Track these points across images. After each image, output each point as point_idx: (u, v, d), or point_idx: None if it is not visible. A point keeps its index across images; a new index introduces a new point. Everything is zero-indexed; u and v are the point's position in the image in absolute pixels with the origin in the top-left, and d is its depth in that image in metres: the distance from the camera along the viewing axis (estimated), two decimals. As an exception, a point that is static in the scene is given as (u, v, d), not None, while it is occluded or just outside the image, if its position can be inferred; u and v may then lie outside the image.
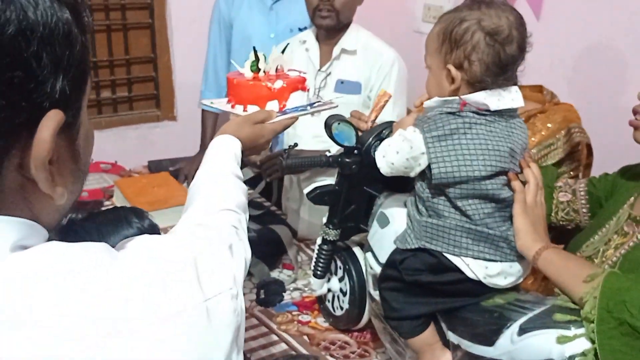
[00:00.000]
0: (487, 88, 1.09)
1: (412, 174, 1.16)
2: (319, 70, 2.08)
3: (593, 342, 0.90)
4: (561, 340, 0.92)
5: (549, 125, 1.48)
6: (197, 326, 0.54)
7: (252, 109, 1.31)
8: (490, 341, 1.05)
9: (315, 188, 1.37)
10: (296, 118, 1.33)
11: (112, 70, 2.86)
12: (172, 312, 0.52)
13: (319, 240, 1.47)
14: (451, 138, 1.08)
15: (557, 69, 2.38)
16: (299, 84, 1.35)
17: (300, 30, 2.52)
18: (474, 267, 1.11)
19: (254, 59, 1.35)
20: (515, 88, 1.11)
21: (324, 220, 1.44)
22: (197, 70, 2.68)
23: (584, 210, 1.31)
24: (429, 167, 1.10)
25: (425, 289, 1.17)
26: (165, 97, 2.95)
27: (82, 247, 0.54)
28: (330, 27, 2.00)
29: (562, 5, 2.33)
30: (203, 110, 2.70)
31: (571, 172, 1.55)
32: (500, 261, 1.11)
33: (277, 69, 1.38)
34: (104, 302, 0.50)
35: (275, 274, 1.81)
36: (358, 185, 1.38)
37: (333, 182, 1.40)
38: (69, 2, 0.50)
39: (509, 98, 1.09)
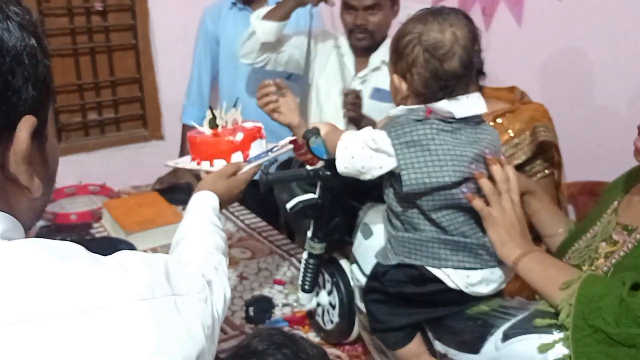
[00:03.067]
0: (430, 101, 1.09)
1: (365, 177, 1.13)
2: (355, 76, 2.12)
3: None
4: (542, 348, 0.91)
5: (517, 125, 1.48)
6: (166, 314, 0.59)
7: (218, 162, 1.43)
8: (475, 348, 1.04)
9: (298, 202, 1.36)
10: (261, 164, 1.44)
11: (98, 92, 2.86)
12: (139, 298, 0.57)
13: (305, 255, 1.46)
14: (420, 144, 1.07)
15: (540, 73, 2.40)
16: (257, 133, 1.48)
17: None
18: (454, 278, 1.10)
19: (211, 117, 1.47)
20: (477, 95, 1.11)
21: (309, 234, 1.44)
22: (182, 89, 2.69)
23: None
24: (397, 175, 1.09)
25: (409, 300, 1.16)
26: (152, 117, 2.96)
27: (60, 244, 0.60)
28: (365, 48, 2.07)
29: (543, 11, 2.35)
30: (184, 125, 2.72)
31: (546, 171, 1.55)
32: (481, 268, 1.11)
33: (233, 123, 1.51)
34: (70, 288, 0.54)
35: (266, 289, 1.81)
36: (341, 198, 1.37)
37: (315, 196, 1.39)
38: (33, 32, 0.61)
39: (473, 105, 1.09)
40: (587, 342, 0.88)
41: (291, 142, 1.42)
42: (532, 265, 1.03)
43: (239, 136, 1.43)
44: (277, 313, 1.68)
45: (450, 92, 1.08)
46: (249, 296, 1.72)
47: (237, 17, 2.61)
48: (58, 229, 2.27)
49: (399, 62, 1.10)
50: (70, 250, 0.59)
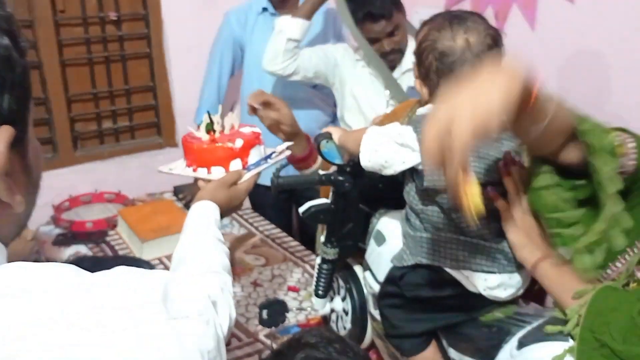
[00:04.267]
0: None
1: (388, 172, 1.12)
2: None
3: None
4: None
5: None
6: (160, 340, 0.55)
7: (216, 170, 1.35)
8: (490, 356, 1.03)
9: (311, 207, 1.35)
10: (260, 173, 1.37)
11: (113, 101, 2.88)
12: (132, 325, 0.54)
13: (318, 260, 1.46)
14: None
15: (554, 78, 2.38)
16: (256, 140, 1.40)
17: None
18: (473, 280, 1.09)
19: (208, 121, 1.39)
20: None
21: (322, 239, 1.43)
22: (196, 97, 2.70)
23: None
24: (420, 171, 1.08)
25: (426, 304, 1.15)
26: (166, 125, 2.97)
27: (49, 267, 0.56)
28: (398, 60, 2.15)
29: (556, 15, 2.34)
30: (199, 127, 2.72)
31: None
32: (499, 273, 1.10)
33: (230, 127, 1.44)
34: (61, 315, 0.51)
35: (280, 296, 1.81)
36: (354, 203, 1.37)
37: (328, 200, 1.39)
38: (7, 30, 0.55)
39: None
40: (591, 356, 0.85)
41: (287, 157, 1.41)
42: (548, 272, 1.02)
43: (239, 143, 1.37)
44: (292, 320, 1.68)
45: None
46: (263, 302, 1.73)
47: (267, 23, 2.60)
48: (74, 237, 2.30)
49: (419, 67, 1.13)
50: (57, 274, 0.55)
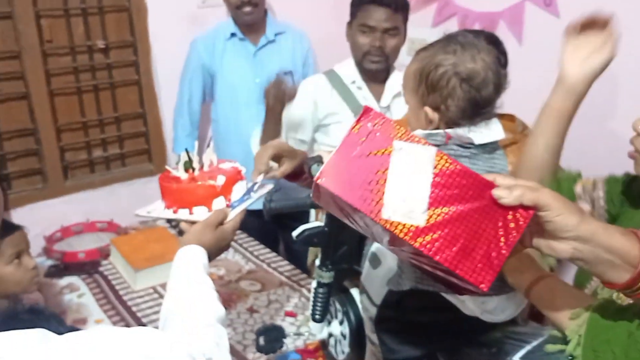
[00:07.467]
0: (465, 126, 1.08)
1: None
2: (379, 105, 2.07)
3: None
4: None
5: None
6: None
7: (199, 210, 1.29)
8: (492, 377, 1.01)
9: (304, 230, 1.34)
10: (245, 209, 1.31)
11: (103, 129, 2.87)
12: None
13: (314, 284, 1.45)
14: None
15: (544, 91, 2.39)
16: (238, 175, 1.34)
17: (286, 74, 2.55)
18: (470, 304, 1.08)
19: (186, 159, 1.33)
20: (494, 120, 1.11)
21: (317, 262, 1.42)
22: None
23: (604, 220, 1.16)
24: None
25: (424, 328, 1.14)
26: (157, 151, 2.96)
27: (15, 335, 0.53)
28: (379, 71, 2.04)
29: (543, 29, 2.35)
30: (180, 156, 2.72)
31: None
32: (496, 294, 1.08)
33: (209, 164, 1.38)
34: None
35: (277, 322, 1.78)
36: (347, 226, 1.35)
37: (322, 223, 1.37)
38: None
39: (491, 130, 1.09)
40: None
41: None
42: (542, 294, 1.01)
43: (221, 180, 1.29)
44: (290, 345, 1.66)
45: (487, 116, 1.08)
46: (260, 329, 1.70)
47: (236, 48, 2.63)
48: (66, 268, 2.27)
49: (431, 94, 1.08)
50: (20, 344, 0.53)
